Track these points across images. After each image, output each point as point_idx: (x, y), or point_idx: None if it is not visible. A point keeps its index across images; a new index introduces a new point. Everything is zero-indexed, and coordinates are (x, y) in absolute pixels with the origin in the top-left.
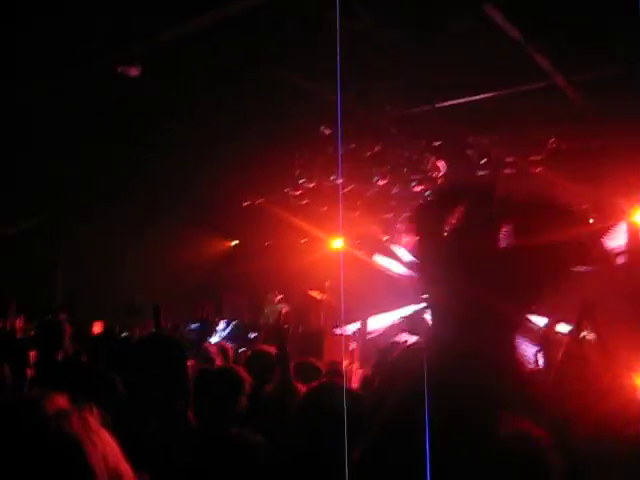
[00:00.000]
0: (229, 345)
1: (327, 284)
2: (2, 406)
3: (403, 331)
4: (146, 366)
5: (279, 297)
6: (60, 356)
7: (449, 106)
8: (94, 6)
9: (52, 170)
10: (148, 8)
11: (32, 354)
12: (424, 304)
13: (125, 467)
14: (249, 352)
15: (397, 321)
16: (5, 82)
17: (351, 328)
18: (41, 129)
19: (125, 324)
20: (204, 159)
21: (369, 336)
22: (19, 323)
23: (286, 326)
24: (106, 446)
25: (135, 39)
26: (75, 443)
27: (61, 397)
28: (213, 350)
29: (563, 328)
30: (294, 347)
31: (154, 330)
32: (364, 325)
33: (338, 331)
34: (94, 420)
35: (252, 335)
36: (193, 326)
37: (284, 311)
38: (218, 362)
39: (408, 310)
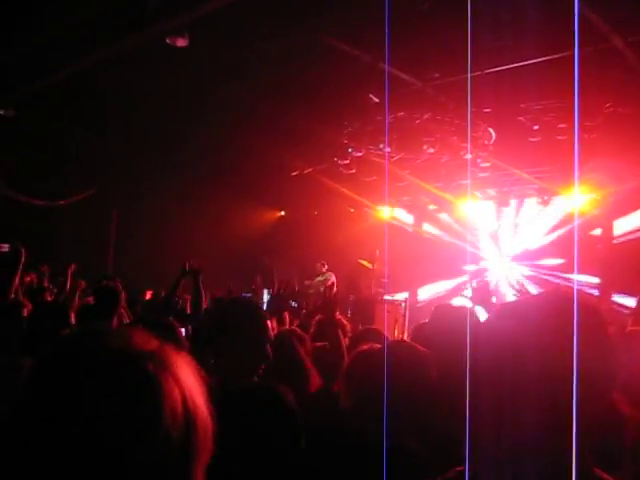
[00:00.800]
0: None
1: (377, 253)
2: (86, 334)
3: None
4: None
5: (326, 267)
6: (115, 321)
7: (499, 72)
8: None
9: (102, 145)
10: None
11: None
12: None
13: (203, 412)
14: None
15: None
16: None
17: (400, 297)
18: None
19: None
20: (252, 129)
21: (418, 305)
22: (81, 285)
23: (334, 294)
24: (185, 389)
25: (182, 8)
26: (150, 380)
27: (147, 335)
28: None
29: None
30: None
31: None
32: (413, 295)
33: (387, 297)
34: (179, 361)
35: (294, 304)
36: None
37: (332, 280)
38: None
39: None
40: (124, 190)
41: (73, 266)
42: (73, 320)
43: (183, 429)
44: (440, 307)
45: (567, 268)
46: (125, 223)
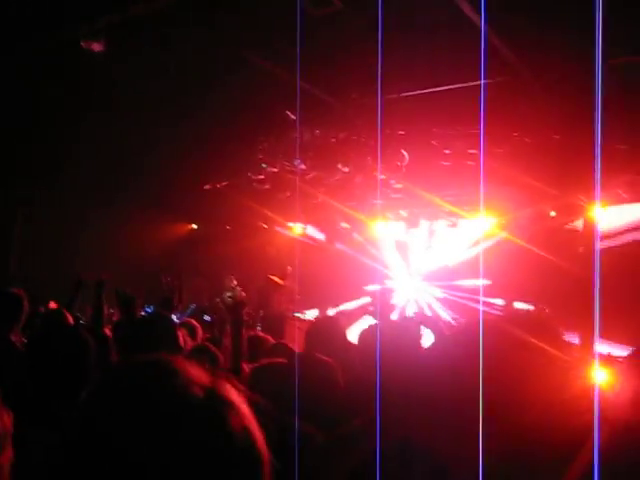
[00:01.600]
0: (195, 323)
1: (289, 269)
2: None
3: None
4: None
5: (235, 282)
6: (14, 335)
7: (414, 96)
8: None
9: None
10: None
11: None
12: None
13: (259, 434)
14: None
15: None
16: None
17: (311, 314)
18: None
19: (73, 299)
20: (164, 141)
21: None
22: None
23: (245, 309)
24: (246, 421)
25: (101, 13)
26: (224, 421)
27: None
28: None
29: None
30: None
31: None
32: (322, 313)
33: (298, 314)
34: (233, 392)
35: (208, 318)
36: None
37: (241, 295)
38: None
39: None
40: (31, 189)
41: None
42: None
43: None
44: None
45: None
46: (32, 224)
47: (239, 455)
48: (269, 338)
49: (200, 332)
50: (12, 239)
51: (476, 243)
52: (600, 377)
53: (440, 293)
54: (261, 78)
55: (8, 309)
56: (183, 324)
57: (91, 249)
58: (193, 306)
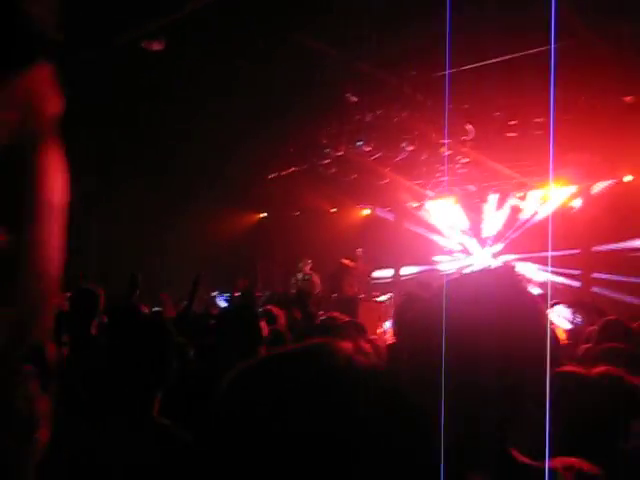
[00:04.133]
0: (278, 310)
1: (359, 251)
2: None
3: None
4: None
5: (309, 265)
6: (93, 330)
7: (476, 68)
8: None
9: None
10: None
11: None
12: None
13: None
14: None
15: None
16: None
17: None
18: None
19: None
20: (227, 134)
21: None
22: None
23: (318, 293)
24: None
25: (158, 13)
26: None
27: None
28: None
29: None
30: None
31: (187, 302)
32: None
33: (379, 299)
34: None
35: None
36: (222, 298)
37: (315, 279)
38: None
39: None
40: (107, 187)
41: None
42: None
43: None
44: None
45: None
46: (104, 222)
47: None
48: (343, 318)
49: (282, 319)
50: (91, 237)
51: (548, 214)
52: None
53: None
54: (318, 61)
55: (86, 305)
56: (264, 313)
57: (168, 246)
58: (268, 293)
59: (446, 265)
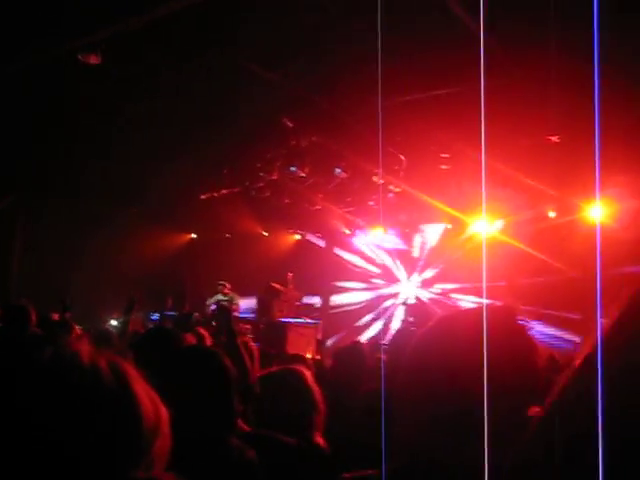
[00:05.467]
0: (204, 331)
1: (289, 276)
2: (51, 361)
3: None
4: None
5: (228, 287)
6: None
7: (411, 101)
8: None
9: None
10: None
11: None
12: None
13: (164, 411)
14: None
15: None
16: None
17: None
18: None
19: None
20: (161, 152)
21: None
22: None
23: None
24: (146, 390)
25: (97, 26)
26: (126, 386)
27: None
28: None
29: None
30: (257, 338)
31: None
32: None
33: (300, 320)
34: (132, 369)
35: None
36: (153, 317)
37: (237, 302)
38: None
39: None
40: (29, 212)
41: None
42: None
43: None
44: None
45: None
46: (29, 240)
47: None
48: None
49: (208, 339)
50: (13, 251)
51: (475, 245)
52: None
53: (436, 295)
54: (257, 86)
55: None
56: (192, 331)
57: (94, 263)
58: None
59: (361, 294)
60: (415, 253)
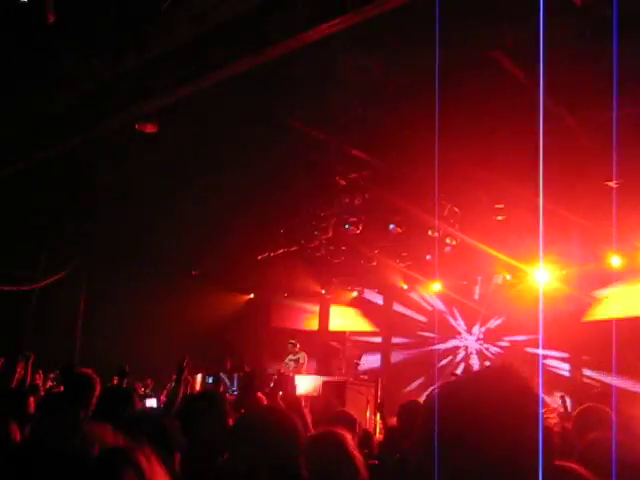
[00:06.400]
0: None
1: (347, 334)
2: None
3: None
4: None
5: (298, 346)
6: (83, 412)
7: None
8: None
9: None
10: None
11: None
12: None
13: None
14: None
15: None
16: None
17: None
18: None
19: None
20: (219, 216)
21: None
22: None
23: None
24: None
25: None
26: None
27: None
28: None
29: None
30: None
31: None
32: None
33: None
34: (153, 459)
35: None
36: (209, 380)
37: (304, 360)
38: None
39: None
40: (93, 276)
41: (32, 356)
42: (32, 409)
43: None
44: None
45: (536, 344)
46: (93, 311)
47: None
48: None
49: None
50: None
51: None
52: None
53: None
54: (308, 144)
55: (77, 389)
56: None
57: (159, 325)
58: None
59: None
60: (474, 305)
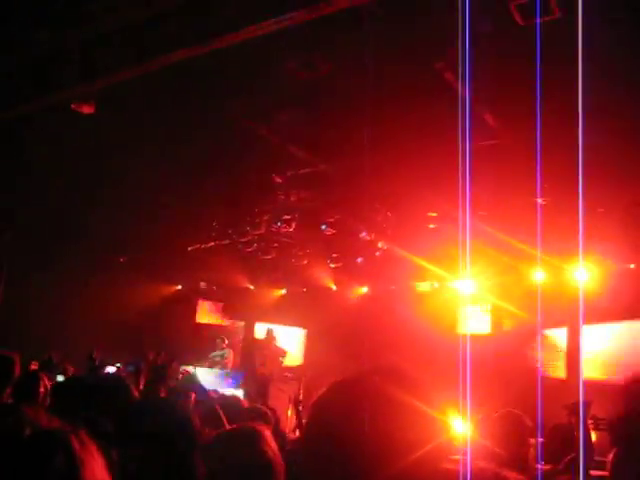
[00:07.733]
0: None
1: (272, 331)
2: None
3: None
4: None
5: (226, 342)
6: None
7: (400, 160)
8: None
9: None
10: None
11: None
12: None
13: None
14: None
15: None
16: None
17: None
18: None
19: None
20: (151, 206)
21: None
22: None
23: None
24: (98, 467)
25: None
26: (77, 461)
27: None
28: None
29: None
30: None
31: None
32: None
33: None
34: (90, 445)
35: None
36: (129, 368)
37: (229, 357)
38: None
39: None
40: (12, 260)
41: None
42: None
43: None
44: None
45: None
46: (13, 289)
47: None
48: None
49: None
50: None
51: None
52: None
53: None
54: (247, 141)
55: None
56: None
57: (82, 311)
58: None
59: None
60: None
